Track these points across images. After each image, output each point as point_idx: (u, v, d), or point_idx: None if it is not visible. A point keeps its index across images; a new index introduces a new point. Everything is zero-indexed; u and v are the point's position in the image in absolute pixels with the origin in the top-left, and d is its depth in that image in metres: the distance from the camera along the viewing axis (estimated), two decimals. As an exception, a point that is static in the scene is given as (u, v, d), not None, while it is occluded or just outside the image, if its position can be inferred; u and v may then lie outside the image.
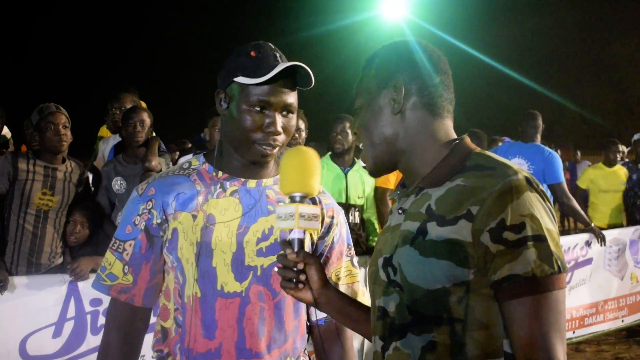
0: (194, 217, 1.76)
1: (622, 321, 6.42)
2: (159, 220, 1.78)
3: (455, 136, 1.51)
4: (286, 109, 1.76)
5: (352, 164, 4.99)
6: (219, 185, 1.80)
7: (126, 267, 1.79)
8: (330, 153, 4.99)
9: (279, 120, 1.74)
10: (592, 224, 5.99)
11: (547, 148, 5.88)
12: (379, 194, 5.02)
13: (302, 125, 4.88)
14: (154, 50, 40.43)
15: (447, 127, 1.51)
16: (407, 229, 1.43)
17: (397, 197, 1.58)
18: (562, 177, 5.70)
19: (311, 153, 1.61)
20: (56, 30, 38.50)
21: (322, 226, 1.89)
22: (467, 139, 1.50)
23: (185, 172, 1.84)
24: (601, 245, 5.94)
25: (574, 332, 6.04)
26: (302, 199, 1.56)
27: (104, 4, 42.06)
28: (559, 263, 1.27)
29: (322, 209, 1.90)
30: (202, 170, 1.83)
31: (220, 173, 1.82)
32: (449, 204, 1.36)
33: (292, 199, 1.55)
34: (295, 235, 1.55)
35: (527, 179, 1.33)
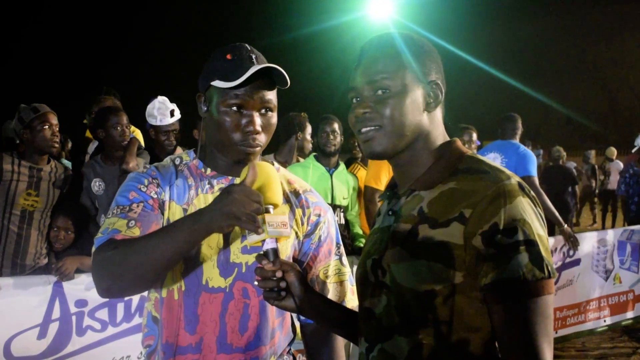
0: (185, 210, 1.78)
1: (605, 321, 6.48)
2: (163, 199, 1.79)
3: (448, 138, 1.52)
4: (264, 107, 1.77)
5: (337, 164, 5.00)
6: (207, 182, 1.83)
7: (132, 222, 1.69)
8: (314, 154, 4.99)
9: (257, 119, 1.76)
10: (565, 226, 6.01)
11: (522, 146, 6.05)
12: (369, 193, 4.97)
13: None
14: (143, 50, 40.29)
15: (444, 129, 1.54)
16: (398, 230, 1.43)
17: (387, 198, 1.58)
18: (534, 172, 5.81)
19: (267, 165, 1.64)
20: (46, 31, 38.24)
21: (307, 225, 1.92)
22: (458, 142, 1.51)
23: (178, 166, 1.87)
24: (571, 251, 5.99)
25: (556, 332, 6.09)
26: (268, 210, 1.57)
27: (94, 2, 41.83)
28: (549, 268, 1.28)
29: (307, 207, 1.93)
30: (192, 166, 1.87)
31: (208, 170, 1.85)
32: (441, 206, 1.36)
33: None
34: (268, 245, 1.57)
35: (520, 184, 1.34)
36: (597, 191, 14.93)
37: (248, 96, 1.74)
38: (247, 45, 1.81)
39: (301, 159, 5.22)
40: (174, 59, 39.07)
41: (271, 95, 1.78)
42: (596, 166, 14.92)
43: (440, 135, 1.50)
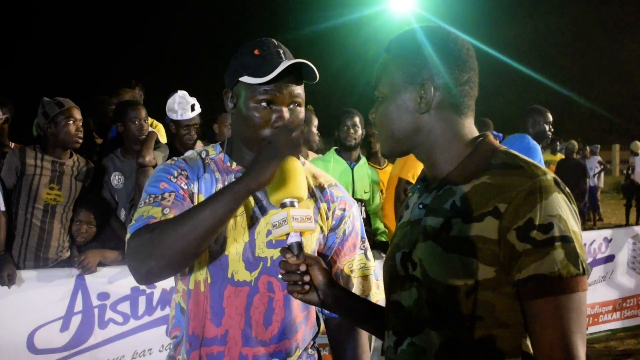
0: None
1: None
2: (192, 191, 1.80)
3: (477, 133, 1.50)
4: (293, 102, 1.78)
5: (358, 158, 4.97)
6: (232, 176, 1.84)
7: (166, 209, 1.70)
8: (335, 148, 4.98)
9: (287, 114, 1.76)
10: None
11: (530, 139, 5.76)
12: (403, 185, 4.91)
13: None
14: (159, 45, 40.47)
15: (471, 124, 1.50)
16: (429, 224, 1.42)
17: (418, 191, 1.57)
18: None
19: (292, 159, 1.64)
20: (59, 25, 38.53)
21: (332, 219, 1.92)
22: (490, 136, 1.49)
23: (204, 159, 1.88)
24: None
25: (587, 329, 5.98)
26: (292, 204, 1.58)
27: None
28: (584, 265, 1.28)
29: (332, 201, 1.93)
30: (218, 160, 1.88)
31: (234, 164, 1.86)
32: (475, 201, 1.35)
33: (283, 205, 1.59)
34: (292, 239, 1.58)
35: (555, 180, 1.33)
36: (601, 185, 15.34)
37: (278, 91, 1.74)
38: (273, 40, 1.82)
39: (310, 152, 5.20)
40: (193, 53, 39.24)
41: (299, 90, 1.79)
42: (601, 159, 15.27)
43: (448, 130, 1.46)
